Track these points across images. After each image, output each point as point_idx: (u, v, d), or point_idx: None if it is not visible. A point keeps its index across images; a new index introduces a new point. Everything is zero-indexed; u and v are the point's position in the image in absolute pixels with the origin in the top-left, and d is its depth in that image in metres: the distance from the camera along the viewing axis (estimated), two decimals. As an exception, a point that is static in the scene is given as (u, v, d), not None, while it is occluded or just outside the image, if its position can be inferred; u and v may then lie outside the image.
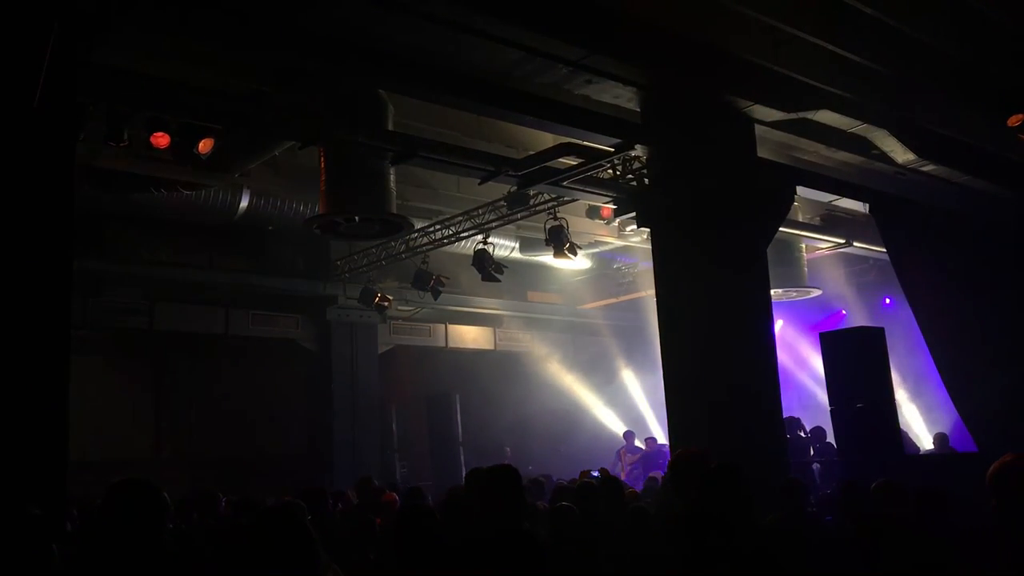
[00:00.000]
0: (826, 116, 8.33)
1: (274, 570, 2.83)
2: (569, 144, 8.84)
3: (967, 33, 7.60)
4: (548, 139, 9.51)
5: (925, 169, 9.61)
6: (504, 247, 13.81)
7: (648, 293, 12.69)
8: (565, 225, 11.50)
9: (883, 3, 7.06)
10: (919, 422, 14.96)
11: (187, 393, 14.24)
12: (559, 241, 11.49)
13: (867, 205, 10.81)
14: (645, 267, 14.70)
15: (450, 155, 8.73)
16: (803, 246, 14.26)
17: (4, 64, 4.88)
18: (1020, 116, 7.95)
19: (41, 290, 5.06)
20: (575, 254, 11.86)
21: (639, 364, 17.40)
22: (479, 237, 12.34)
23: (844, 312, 16.51)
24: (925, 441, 13.92)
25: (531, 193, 10.82)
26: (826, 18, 7.21)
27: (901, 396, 13.55)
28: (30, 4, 4.96)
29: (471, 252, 12.53)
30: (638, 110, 8.14)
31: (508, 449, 15.34)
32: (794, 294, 15.00)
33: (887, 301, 15.47)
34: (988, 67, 8.03)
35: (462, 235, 12.54)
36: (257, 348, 14.56)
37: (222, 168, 10.25)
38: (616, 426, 17.39)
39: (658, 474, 10.46)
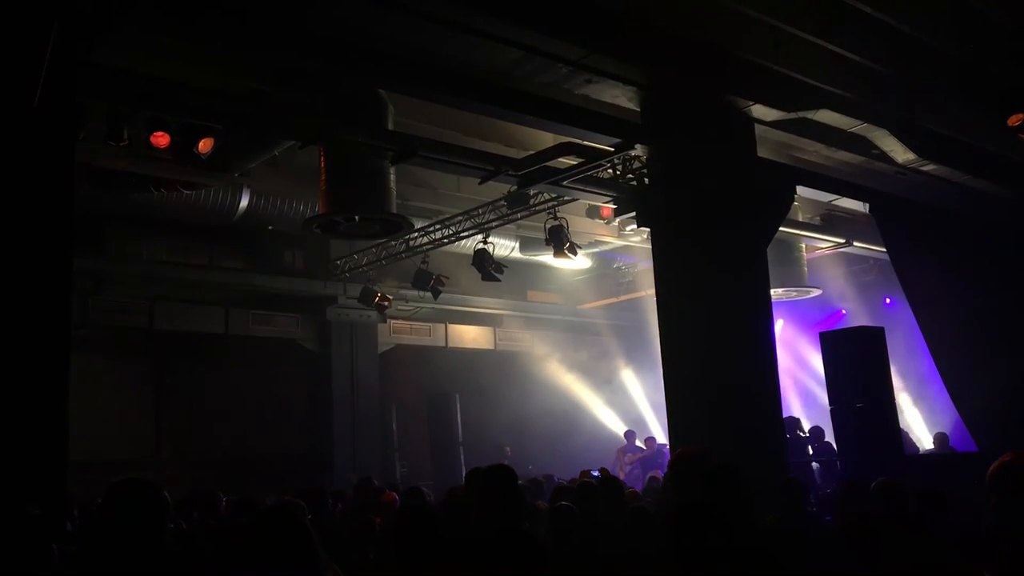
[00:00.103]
0: (826, 116, 8.33)
1: (274, 570, 2.83)
2: (569, 144, 8.84)
3: (967, 32, 7.60)
4: (548, 139, 9.51)
5: (925, 169, 9.61)
6: (504, 247, 13.81)
7: (648, 293, 12.70)
8: (565, 225, 11.50)
9: (883, 3, 7.06)
10: (919, 422, 14.96)
11: (187, 393, 14.23)
12: (559, 241, 11.49)
13: (867, 205, 10.81)
14: (645, 267, 14.71)
15: (450, 155, 8.73)
16: (803, 246, 14.26)
17: (4, 64, 4.88)
18: (1020, 116, 7.95)
19: (41, 289, 5.06)
20: (575, 254, 11.86)
21: (639, 364, 17.40)
22: (479, 237, 12.33)
23: (844, 312, 16.51)
24: (925, 441, 13.92)
25: (531, 193, 10.82)
26: (826, 18, 7.21)
27: (901, 396, 13.55)
28: (30, 4, 4.96)
29: (471, 252, 12.53)
30: (638, 110, 8.14)
31: (508, 449, 15.33)
32: (794, 294, 15.00)
33: (887, 301, 15.46)
34: (988, 66, 8.03)
35: (462, 235, 12.54)
36: (257, 348, 14.55)
37: (222, 168, 10.24)
38: (616, 426, 17.39)
39: (658, 474, 10.47)
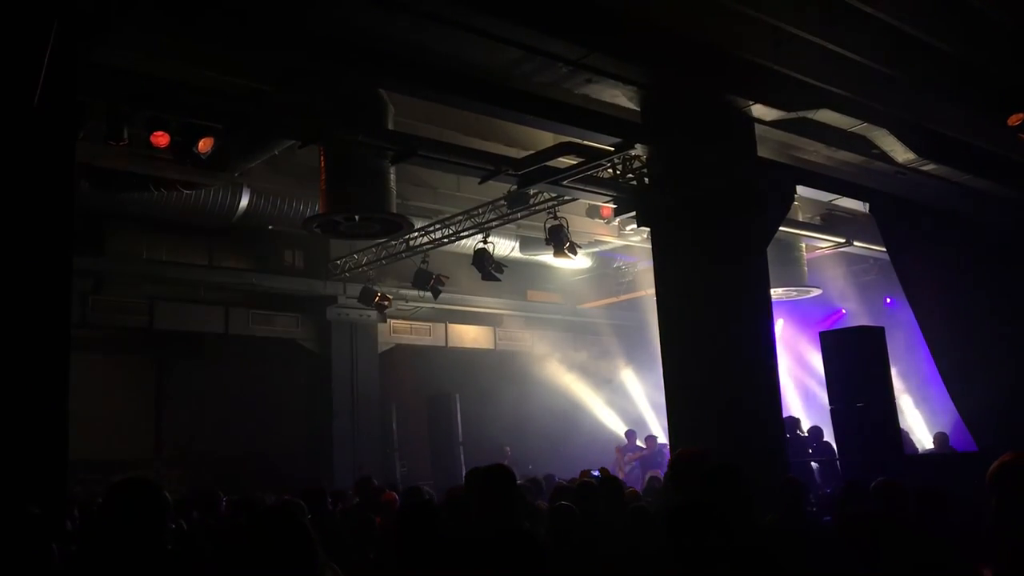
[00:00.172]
0: (826, 115, 8.33)
1: (272, 569, 2.83)
2: (569, 143, 8.84)
3: (967, 32, 7.60)
4: (548, 138, 9.50)
5: (925, 168, 9.61)
6: (504, 246, 13.80)
7: (648, 292, 12.69)
8: (565, 224, 11.50)
9: (883, 2, 7.06)
10: (919, 422, 14.96)
11: (187, 392, 14.23)
12: (559, 240, 11.49)
13: (867, 204, 10.81)
14: (645, 266, 14.71)
15: (450, 154, 8.73)
16: (803, 245, 14.26)
17: (4, 64, 4.88)
18: (1020, 115, 7.95)
19: (41, 289, 5.06)
20: (575, 253, 11.86)
21: (639, 363, 17.40)
22: (479, 236, 12.33)
23: (844, 311, 16.51)
24: (925, 441, 13.92)
25: (531, 192, 10.82)
26: (826, 17, 7.20)
27: (902, 397, 13.55)
28: (30, 3, 4.96)
29: (471, 251, 12.53)
30: (638, 109, 8.14)
31: (508, 448, 15.34)
32: (794, 293, 15.00)
33: (888, 301, 15.46)
34: (988, 66, 8.03)
35: (462, 234, 12.54)
36: (257, 348, 14.56)
37: (222, 167, 10.24)
38: (616, 425, 17.40)
39: (658, 473, 10.48)
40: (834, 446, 10.21)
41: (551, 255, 12.00)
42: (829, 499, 8.18)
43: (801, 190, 9.82)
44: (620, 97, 7.81)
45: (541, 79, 7.35)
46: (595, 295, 17.71)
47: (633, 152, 8.92)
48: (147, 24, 6.34)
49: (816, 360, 12.43)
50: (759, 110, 8.08)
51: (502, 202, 11.48)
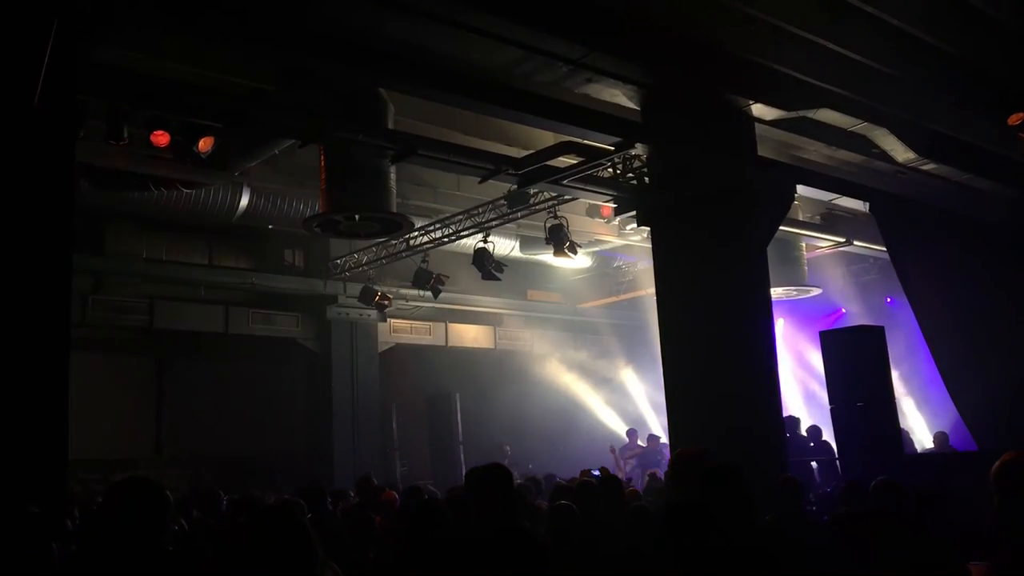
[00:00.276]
0: (826, 115, 8.33)
1: (272, 569, 2.83)
2: (569, 143, 8.83)
3: (967, 31, 7.60)
4: (548, 138, 9.50)
5: (925, 168, 9.61)
6: (504, 246, 13.80)
7: (648, 292, 12.68)
8: (565, 224, 11.49)
9: (883, 1, 7.06)
10: (919, 422, 14.96)
11: (187, 391, 14.23)
12: (559, 240, 11.49)
13: (867, 204, 10.81)
14: (645, 266, 14.70)
15: (450, 154, 8.72)
16: (803, 245, 14.25)
17: (4, 63, 4.88)
18: (1020, 115, 7.95)
19: (41, 288, 5.06)
20: (575, 253, 11.85)
21: (639, 363, 17.40)
22: (479, 236, 12.33)
23: (844, 311, 16.51)
24: (926, 440, 13.92)
25: (531, 192, 10.82)
26: (826, 16, 7.20)
27: (902, 395, 13.54)
28: (30, 3, 4.95)
29: (471, 251, 12.52)
30: (638, 109, 8.14)
31: (508, 448, 15.34)
32: (794, 293, 14.99)
33: (889, 300, 15.46)
34: (988, 65, 8.03)
35: (462, 234, 12.53)
36: (257, 347, 14.56)
37: (222, 167, 10.23)
38: (616, 425, 17.39)
39: (657, 471, 10.47)
40: (834, 445, 10.21)
41: (551, 255, 12.00)
42: (829, 498, 8.18)
43: (801, 189, 9.82)
44: (620, 96, 7.81)
45: (541, 78, 7.35)
46: (595, 295, 17.71)
47: (633, 151, 8.92)
48: (147, 23, 6.35)
49: (816, 359, 12.43)
50: (759, 109, 8.08)
51: (502, 201, 11.48)
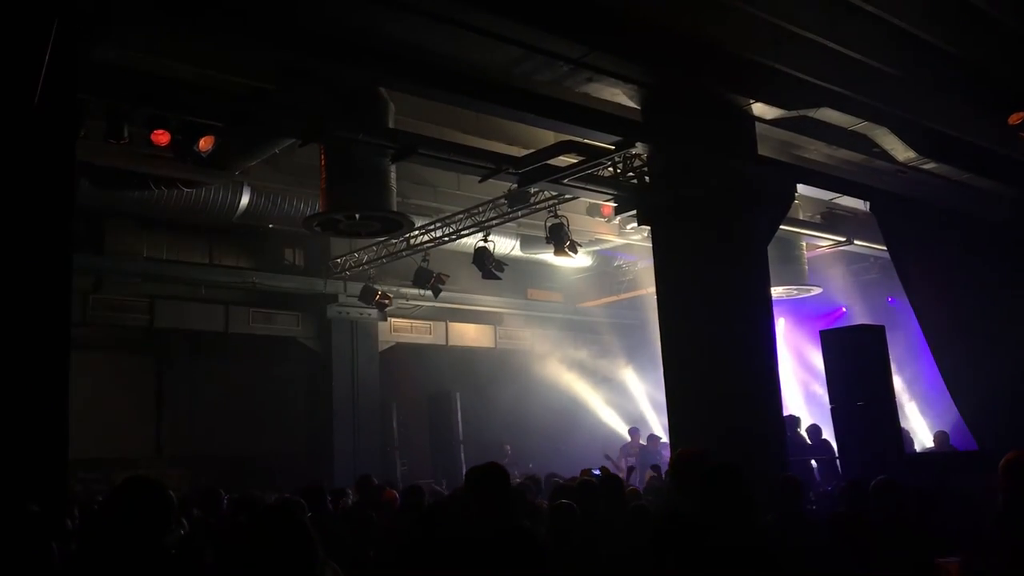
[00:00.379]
0: (827, 114, 8.32)
1: (272, 568, 2.83)
2: (569, 142, 8.83)
3: (968, 31, 7.59)
4: (549, 137, 9.50)
5: (926, 167, 9.60)
6: (504, 245, 13.81)
7: (649, 291, 12.68)
8: (565, 223, 11.50)
9: (884, 1, 7.06)
10: (920, 421, 14.96)
11: (187, 391, 14.24)
12: (559, 239, 11.49)
13: (868, 203, 10.80)
14: (645, 265, 14.69)
15: (450, 153, 8.72)
16: (804, 244, 14.25)
17: (4, 62, 4.87)
18: (1020, 114, 7.95)
19: (41, 287, 5.06)
20: (575, 252, 11.85)
21: (640, 362, 17.39)
22: (479, 235, 12.33)
23: (845, 310, 16.51)
24: (926, 440, 13.92)
25: (531, 191, 10.81)
26: (826, 15, 7.20)
27: (904, 399, 13.54)
28: (30, 2, 4.95)
29: (471, 250, 12.53)
30: (639, 108, 8.13)
31: (508, 447, 15.34)
32: (795, 292, 14.99)
33: (890, 300, 15.46)
34: (989, 65, 8.03)
35: (462, 233, 12.54)
36: (257, 346, 14.56)
37: (222, 166, 10.23)
38: (616, 424, 17.39)
39: (658, 467, 10.48)
40: (834, 445, 10.21)
41: (551, 254, 12.00)
42: (829, 498, 8.18)
43: (802, 188, 9.81)
44: (620, 96, 7.81)
45: (542, 77, 7.34)
46: (595, 294, 17.71)
47: (634, 151, 8.91)
48: (147, 23, 6.34)
49: (817, 359, 12.43)
50: (759, 108, 8.07)
51: (502, 200, 11.48)
